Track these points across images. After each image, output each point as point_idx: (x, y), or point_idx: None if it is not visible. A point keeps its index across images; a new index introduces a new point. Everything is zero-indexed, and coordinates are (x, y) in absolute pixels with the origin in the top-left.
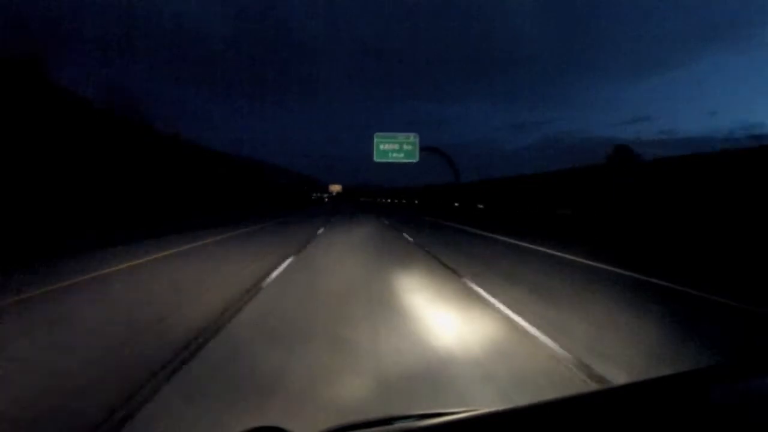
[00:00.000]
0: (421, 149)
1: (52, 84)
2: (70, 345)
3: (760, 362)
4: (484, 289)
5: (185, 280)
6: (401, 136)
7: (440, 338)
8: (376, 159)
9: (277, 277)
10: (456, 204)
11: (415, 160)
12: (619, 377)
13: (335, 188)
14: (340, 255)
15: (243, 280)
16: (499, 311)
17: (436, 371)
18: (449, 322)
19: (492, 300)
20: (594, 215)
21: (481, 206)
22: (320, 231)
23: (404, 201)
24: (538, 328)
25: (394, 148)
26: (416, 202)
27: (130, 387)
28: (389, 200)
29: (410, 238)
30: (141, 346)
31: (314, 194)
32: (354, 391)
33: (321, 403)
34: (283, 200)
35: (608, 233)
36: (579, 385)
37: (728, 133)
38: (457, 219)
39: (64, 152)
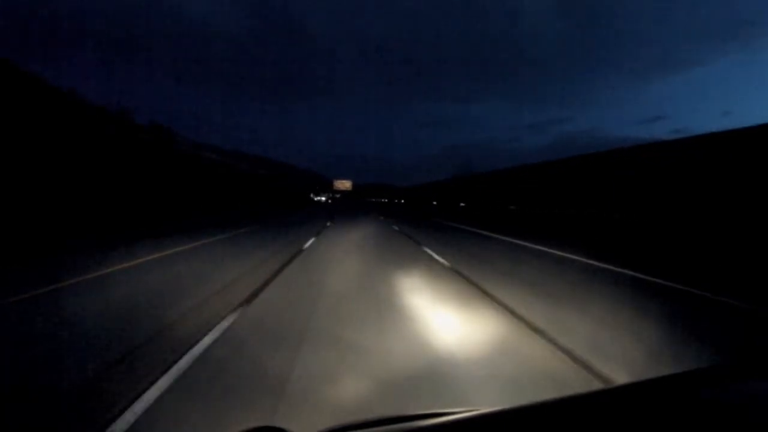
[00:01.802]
0: None
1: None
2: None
3: (760, 363)
4: None
5: None
6: None
7: None
8: None
9: None
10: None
11: None
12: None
13: (343, 185)
14: None
15: None
16: None
17: None
18: None
19: None
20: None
21: None
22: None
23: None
24: None
25: None
26: (434, 203)
27: None
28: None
29: None
30: None
31: (318, 195)
32: None
33: None
34: (280, 201)
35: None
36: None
37: None
38: None
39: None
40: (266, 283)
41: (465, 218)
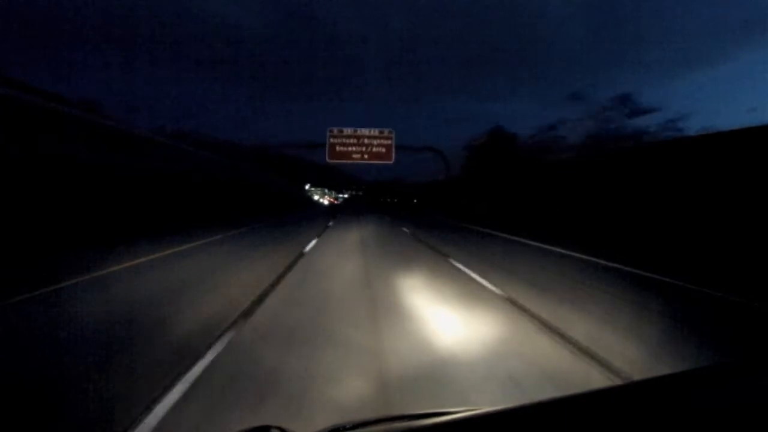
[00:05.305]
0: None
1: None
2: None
3: (760, 363)
4: None
5: None
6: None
7: None
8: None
9: None
10: None
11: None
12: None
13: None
14: None
15: None
16: None
17: None
18: None
19: None
20: None
21: None
22: None
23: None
24: None
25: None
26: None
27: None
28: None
29: None
30: None
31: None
32: None
33: None
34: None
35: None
36: None
37: None
38: None
39: None
40: None
41: None
